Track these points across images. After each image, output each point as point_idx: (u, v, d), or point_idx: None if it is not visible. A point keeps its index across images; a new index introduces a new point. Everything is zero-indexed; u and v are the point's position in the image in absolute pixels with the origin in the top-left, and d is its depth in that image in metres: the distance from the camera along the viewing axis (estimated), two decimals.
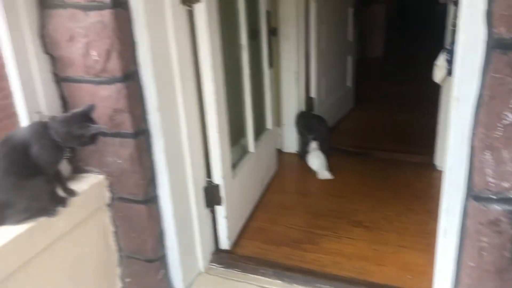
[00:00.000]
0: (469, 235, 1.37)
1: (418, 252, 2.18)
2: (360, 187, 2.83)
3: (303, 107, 3.39)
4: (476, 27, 1.24)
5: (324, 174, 3.01)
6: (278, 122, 3.39)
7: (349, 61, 4.10)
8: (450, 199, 1.46)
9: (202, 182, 2.09)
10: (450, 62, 2.23)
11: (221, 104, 2.07)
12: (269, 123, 2.96)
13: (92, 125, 1.49)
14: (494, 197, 1.27)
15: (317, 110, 3.49)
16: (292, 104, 3.34)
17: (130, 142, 1.72)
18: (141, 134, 1.74)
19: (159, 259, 1.94)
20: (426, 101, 4.16)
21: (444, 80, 2.41)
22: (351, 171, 2.91)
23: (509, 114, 1.19)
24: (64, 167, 1.75)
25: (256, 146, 2.66)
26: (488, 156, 1.25)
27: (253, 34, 2.60)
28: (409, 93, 4.67)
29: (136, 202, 1.82)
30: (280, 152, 3.39)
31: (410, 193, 2.72)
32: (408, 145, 3.33)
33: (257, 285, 2.03)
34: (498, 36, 1.15)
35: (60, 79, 1.70)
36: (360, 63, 5.94)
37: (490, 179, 1.26)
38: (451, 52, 2.16)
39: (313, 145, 3.15)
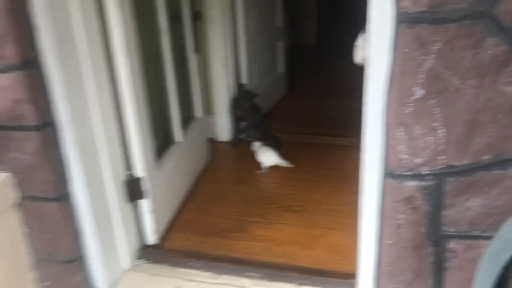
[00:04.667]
0: (387, 213, 1.37)
1: (346, 233, 2.19)
2: (291, 172, 2.81)
3: (234, 94, 3.33)
4: (384, 2, 1.22)
5: (284, 163, 2.84)
6: (210, 110, 3.31)
7: (279, 47, 4.07)
8: (368, 179, 1.46)
9: (123, 176, 1.98)
10: None
11: (138, 92, 1.96)
12: (198, 111, 2.88)
13: None
14: (408, 173, 1.28)
15: None
16: (223, 91, 3.26)
17: (34, 135, 1.58)
18: (48, 126, 1.61)
19: (78, 260, 1.82)
20: (357, 86, 4.23)
21: (365, 60, 2.43)
22: (284, 156, 2.87)
23: (418, 89, 1.19)
24: None
25: (184, 136, 2.57)
26: (400, 132, 1.24)
27: (175, 18, 2.50)
28: (341, 78, 4.73)
29: (47, 200, 1.68)
30: (213, 141, 3.32)
31: (338, 175, 2.74)
32: (337, 129, 3.36)
33: (185, 279, 1.96)
34: (404, 11, 1.14)
35: None
36: (294, 49, 5.98)
37: (403, 156, 1.26)
38: None
39: (256, 145, 2.92)
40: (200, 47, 2.91)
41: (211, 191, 2.69)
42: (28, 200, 1.70)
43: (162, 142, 2.40)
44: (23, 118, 1.55)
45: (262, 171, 2.84)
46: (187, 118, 2.76)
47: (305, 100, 4.20)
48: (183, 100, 2.66)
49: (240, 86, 3.38)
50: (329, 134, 3.32)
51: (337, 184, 2.65)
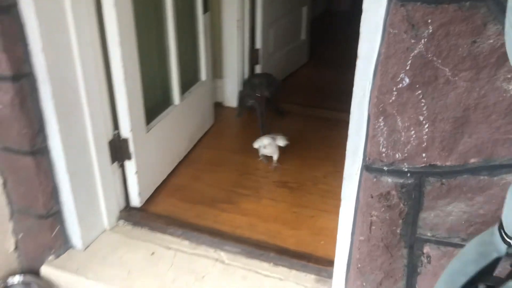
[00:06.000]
0: (360, 207, 1.26)
1: (336, 216, 2.08)
2: (294, 147, 2.69)
3: (247, 59, 3.20)
4: None
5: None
6: (219, 73, 3.20)
7: (304, 12, 3.87)
8: (349, 168, 1.34)
9: (108, 135, 1.91)
10: None
11: (129, 49, 1.86)
12: (203, 74, 2.77)
13: None
14: (386, 168, 1.16)
15: (262, 63, 3.31)
16: (234, 55, 3.13)
17: (9, 86, 1.52)
18: (24, 77, 1.54)
19: (53, 215, 1.79)
20: None
21: None
22: (288, 129, 2.76)
23: (405, 77, 1.05)
24: None
25: (183, 99, 2.48)
26: (381, 123, 1.12)
27: None
28: None
29: (22, 153, 1.64)
30: (220, 106, 3.23)
31: (341, 154, 2.58)
32: (350, 104, 3.18)
33: (162, 245, 1.91)
34: None
35: None
36: (325, 16, 5.72)
37: (383, 149, 1.14)
38: None
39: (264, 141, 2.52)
40: (212, 6, 2.77)
41: (207, 158, 2.61)
42: (3, 151, 1.66)
43: (158, 103, 2.32)
44: None
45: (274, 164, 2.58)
46: (190, 81, 2.65)
47: (325, 70, 4.02)
48: (187, 61, 2.56)
49: (253, 51, 3.24)
50: (341, 109, 3.14)
51: (340, 163, 2.49)
